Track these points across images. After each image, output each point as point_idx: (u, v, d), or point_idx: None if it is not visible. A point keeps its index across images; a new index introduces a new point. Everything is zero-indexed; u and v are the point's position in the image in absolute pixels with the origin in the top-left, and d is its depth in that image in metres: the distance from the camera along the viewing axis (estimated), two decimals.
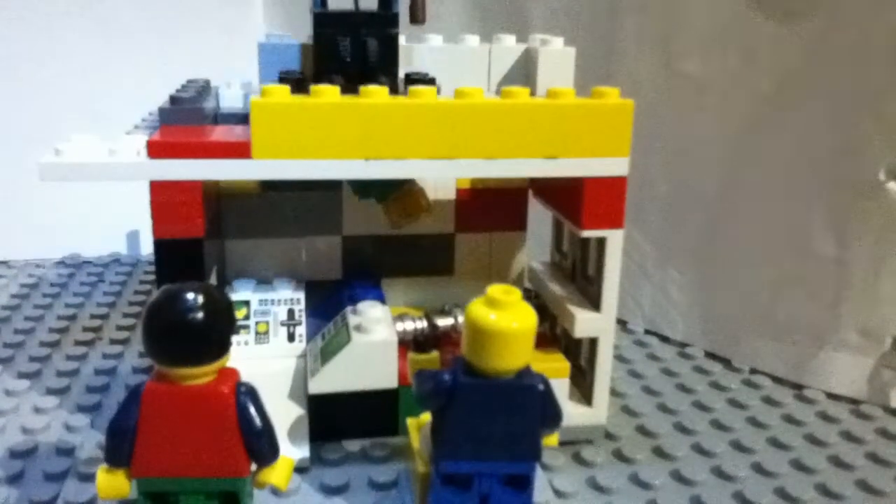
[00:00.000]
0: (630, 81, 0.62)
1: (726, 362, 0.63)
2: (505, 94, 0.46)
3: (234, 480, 0.38)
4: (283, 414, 0.47)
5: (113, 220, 0.82)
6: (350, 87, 0.45)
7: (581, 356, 0.52)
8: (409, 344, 0.51)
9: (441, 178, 0.57)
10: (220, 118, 0.50)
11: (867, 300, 0.56)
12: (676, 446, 0.50)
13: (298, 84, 0.46)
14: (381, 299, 0.54)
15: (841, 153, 0.56)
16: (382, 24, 0.48)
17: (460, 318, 0.51)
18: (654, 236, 0.67)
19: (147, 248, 0.83)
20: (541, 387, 0.38)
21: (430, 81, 0.48)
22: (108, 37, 0.81)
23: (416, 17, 0.49)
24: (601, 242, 0.48)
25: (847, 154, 0.55)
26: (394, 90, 0.46)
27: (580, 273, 0.53)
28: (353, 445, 0.49)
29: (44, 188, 0.45)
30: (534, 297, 0.56)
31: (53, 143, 0.42)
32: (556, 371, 0.48)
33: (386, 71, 0.48)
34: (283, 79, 0.48)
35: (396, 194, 0.53)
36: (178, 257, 0.44)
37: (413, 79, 0.49)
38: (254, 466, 0.38)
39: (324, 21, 0.48)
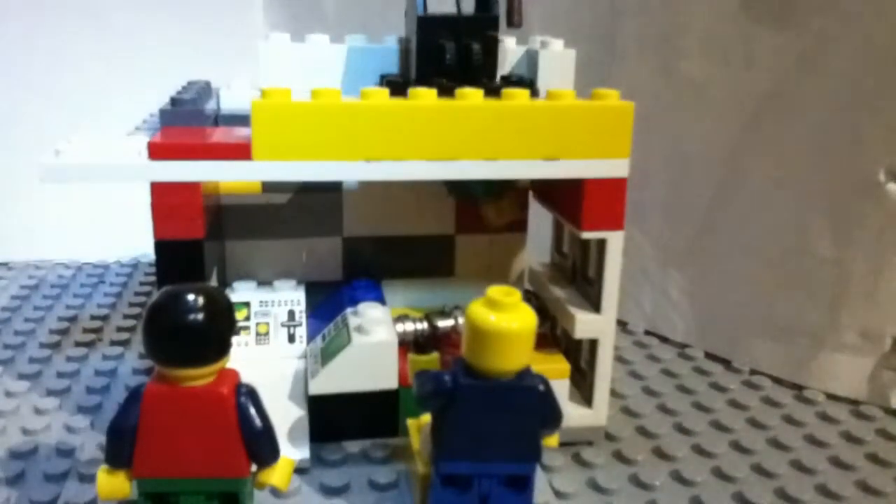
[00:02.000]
0: (630, 83, 0.61)
1: (726, 363, 0.63)
2: (505, 95, 0.46)
3: (235, 481, 0.38)
4: (284, 415, 0.47)
5: (113, 221, 0.82)
6: (451, 90, 0.45)
7: (581, 357, 0.52)
8: (410, 345, 0.51)
9: (441, 180, 0.57)
10: (220, 119, 0.50)
11: (867, 301, 0.57)
12: (676, 447, 0.50)
13: (400, 88, 0.46)
14: (382, 300, 0.54)
15: (840, 154, 0.56)
16: (483, 27, 0.48)
17: (460, 320, 0.51)
18: (655, 237, 0.67)
19: (147, 249, 0.83)
20: (541, 388, 0.38)
21: (530, 84, 0.49)
22: (109, 38, 0.81)
23: (513, 19, 0.50)
24: (601, 244, 0.48)
25: (847, 155, 0.55)
26: (494, 92, 0.47)
27: (580, 274, 0.53)
28: (353, 446, 0.49)
29: (44, 189, 0.45)
30: (534, 298, 0.56)
31: (54, 145, 0.42)
32: (556, 372, 0.48)
33: (487, 73, 0.49)
34: (388, 82, 0.49)
35: (496, 196, 0.54)
36: (178, 258, 0.44)
37: (511, 81, 0.49)
38: (254, 467, 0.38)
39: (427, 24, 0.48)
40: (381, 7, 0.72)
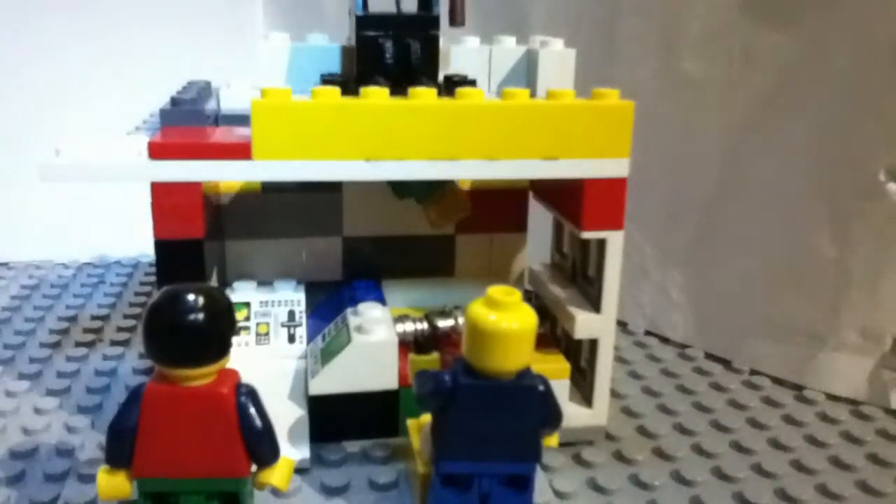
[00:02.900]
0: (630, 83, 0.61)
1: (726, 363, 0.63)
2: (505, 95, 0.46)
3: (235, 481, 0.38)
4: (284, 415, 0.47)
5: (113, 221, 0.82)
6: (394, 90, 0.45)
7: (581, 357, 0.52)
8: (410, 345, 0.51)
9: (442, 179, 0.57)
10: (220, 119, 0.50)
11: (867, 301, 0.56)
12: (676, 447, 0.50)
13: (343, 87, 0.46)
14: (382, 300, 0.54)
15: (841, 154, 0.56)
16: (424, 26, 0.48)
17: (461, 320, 0.51)
18: (655, 237, 0.67)
19: (148, 249, 0.83)
20: (541, 388, 0.38)
21: (472, 83, 0.49)
22: (109, 38, 0.81)
23: (456, 19, 0.50)
24: (601, 243, 0.48)
25: (847, 155, 0.55)
26: (448, 91, 0.47)
27: (580, 274, 0.53)
28: (353, 446, 0.49)
29: (44, 189, 0.45)
30: (534, 298, 0.56)
31: (54, 144, 0.42)
32: (556, 372, 0.48)
33: (427, 73, 0.49)
34: (325, 81, 0.49)
35: (437, 195, 0.53)
36: (178, 258, 0.44)
37: (454, 81, 0.49)
38: (254, 467, 0.38)
39: (367, 24, 0.48)
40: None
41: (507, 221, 0.59)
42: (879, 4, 0.52)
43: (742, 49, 0.59)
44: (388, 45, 0.48)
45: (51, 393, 0.55)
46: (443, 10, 0.49)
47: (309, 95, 0.44)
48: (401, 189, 0.53)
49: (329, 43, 0.53)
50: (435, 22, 0.49)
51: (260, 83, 0.50)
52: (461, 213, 0.55)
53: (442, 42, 0.52)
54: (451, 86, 0.48)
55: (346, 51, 0.51)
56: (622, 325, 0.68)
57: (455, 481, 0.39)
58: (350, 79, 0.50)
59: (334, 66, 0.52)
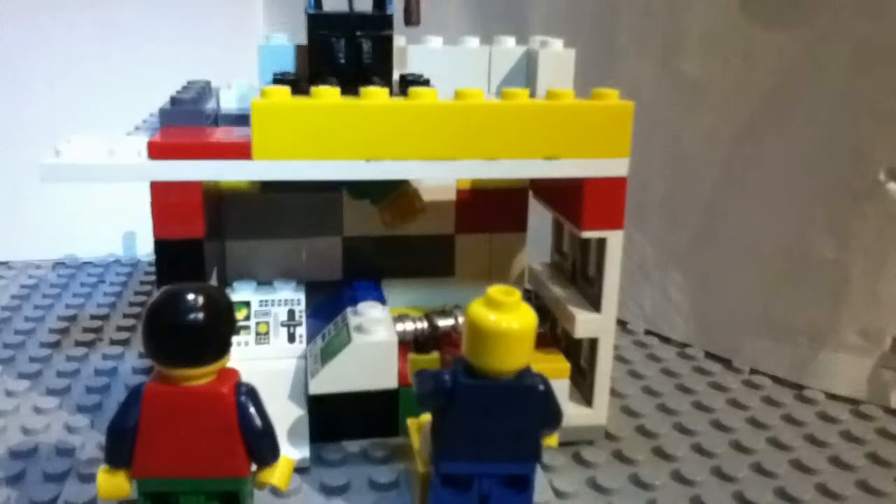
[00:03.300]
0: (630, 83, 0.61)
1: (726, 363, 0.63)
2: (505, 95, 0.46)
3: (235, 481, 0.38)
4: (284, 414, 0.47)
5: (113, 220, 0.82)
6: (346, 89, 0.45)
7: (581, 357, 0.52)
8: (410, 344, 0.51)
9: (441, 179, 0.57)
10: (220, 119, 0.50)
11: (867, 301, 0.56)
12: (676, 446, 0.50)
13: (293, 86, 0.46)
14: (382, 300, 0.54)
15: (840, 154, 0.56)
16: (376, 26, 0.48)
17: (460, 319, 0.51)
18: (654, 237, 0.67)
19: (147, 248, 0.83)
20: (541, 387, 0.38)
21: (425, 83, 0.48)
22: (109, 37, 0.81)
23: (411, 18, 0.49)
24: (601, 243, 0.48)
25: (847, 155, 0.55)
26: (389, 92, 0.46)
27: (580, 274, 0.53)
28: (353, 446, 0.49)
29: (44, 189, 0.45)
30: (534, 297, 0.56)
31: (54, 144, 0.42)
32: (556, 371, 0.48)
33: (380, 72, 0.48)
34: (277, 80, 0.48)
35: (391, 196, 0.53)
36: (178, 258, 0.44)
37: (408, 80, 0.49)
38: (254, 467, 0.38)
39: (318, 23, 0.48)
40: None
41: (506, 221, 0.59)
42: (879, 4, 0.52)
43: (742, 49, 0.59)
44: (340, 44, 0.48)
45: (51, 392, 0.55)
46: (398, 9, 0.49)
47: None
48: (356, 190, 0.53)
49: (278, 43, 0.52)
50: (388, 21, 0.48)
51: (260, 83, 0.50)
52: (416, 215, 0.54)
53: (402, 42, 0.52)
54: (405, 85, 0.48)
55: (299, 50, 0.51)
56: (622, 324, 0.68)
57: (455, 481, 0.39)
58: (303, 78, 0.49)
59: (288, 65, 0.52)
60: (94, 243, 0.83)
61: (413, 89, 0.44)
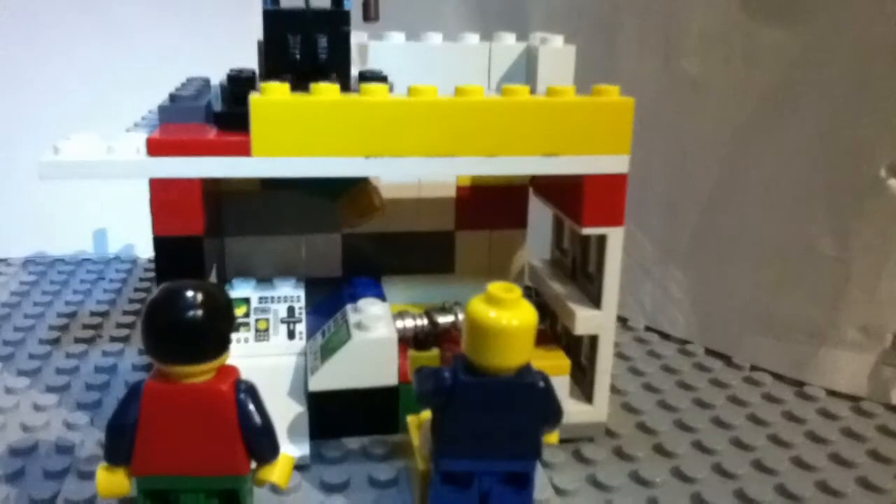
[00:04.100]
0: (630, 80, 0.61)
1: (727, 359, 0.63)
2: (505, 91, 0.46)
3: (234, 478, 0.38)
4: (283, 411, 0.47)
5: (112, 217, 0.82)
6: (300, 86, 0.45)
7: (581, 354, 0.52)
8: (410, 341, 0.51)
9: (441, 176, 0.57)
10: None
11: (868, 297, 0.56)
12: (677, 443, 0.50)
13: (249, 83, 0.46)
14: (382, 297, 0.54)
15: (841, 151, 0.56)
16: (334, 22, 0.48)
17: (460, 316, 0.51)
18: (655, 234, 0.67)
19: (147, 245, 0.83)
20: (541, 384, 0.38)
21: (383, 79, 0.48)
22: (108, 35, 0.81)
23: (369, 14, 0.49)
24: (601, 240, 0.48)
25: (848, 151, 0.55)
26: (345, 88, 0.46)
27: (580, 270, 0.53)
28: (353, 443, 0.49)
29: (43, 186, 0.45)
30: (534, 294, 0.56)
31: (53, 141, 0.42)
32: (556, 368, 0.48)
33: (337, 69, 0.48)
34: (230, 78, 0.48)
35: (349, 193, 0.52)
36: (177, 255, 0.43)
37: (366, 77, 0.49)
38: (254, 464, 0.38)
39: (274, 18, 0.48)
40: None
41: (507, 218, 0.59)
42: (879, 3, 0.52)
43: (742, 47, 0.59)
44: (296, 40, 0.47)
45: (50, 389, 0.55)
46: (357, 5, 0.49)
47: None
48: (313, 188, 0.53)
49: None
50: (345, 17, 0.48)
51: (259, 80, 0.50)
52: (375, 213, 0.54)
53: (363, 38, 0.52)
54: (363, 81, 0.48)
55: (259, 46, 0.51)
56: (622, 321, 0.68)
57: (455, 478, 0.39)
58: (259, 74, 0.49)
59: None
60: (94, 240, 0.83)
61: (412, 86, 0.44)
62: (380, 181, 0.55)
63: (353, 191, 0.52)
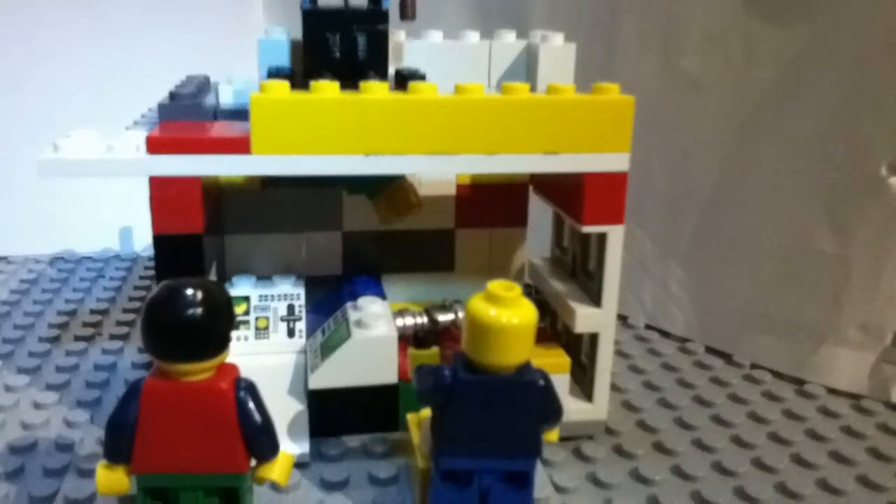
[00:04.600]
0: (630, 78, 0.61)
1: (727, 357, 0.63)
2: (505, 89, 0.46)
3: (234, 476, 0.38)
4: (283, 409, 0.47)
5: (112, 215, 0.82)
6: (342, 85, 0.45)
7: (581, 352, 0.52)
8: (410, 339, 0.51)
9: (441, 174, 0.57)
10: (219, 114, 0.50)
11: (868, 296, 0.56)
12: (677, 441, 0.50)
13: (289, 81, 0.46)
14: (382, 295, 0.54)
15: (842, 149, 0.56)
16: (372, 21, 0.48)
17: (460, 314, 0.51)
18: (655, 232, 0.67)
19: (147, 243, 0.83)
20: (541, 382, 0.38)
21: (421, 77, 0.48)
22: (108, 32, 0.81)
23: (406, 13, 0.49)
24: (602, 238, 0.48)
25: (848, 150, 0.55)
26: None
27: (581, 269, 0.53)
28: (353, 441, 0.49)
29: (43, 184, 0.45)
30: (534, 292, 0.56)
31: (52, 140, 0.42)
32: (556, 366, 0.48)
33: (375, 67, 0.48)
34: (271, 75, 0.48)
35: (387, 191, 0.53)
36: (177, 253, 0.43)
37: (404, 75, 0.49)
38: (253, 462, 0.38)
39: (313, 18, 0.48)
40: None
41: (507, 216, 0.59)
42: (879, 2, 0.52)
43: (742, 46, 0.59)
44: (335, 39, 0.48)
45: (50, 387, 0.55)
46: (394, 4, 0.49)
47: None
48: (351, 185, 0.53)
49: (282, 37, 0.52)
50: (383, 16, 0.48)
51: (259, 77, 0.50)
52: (413, 210, 0.54)
53: (400, 36, 0.52)
54: (402, 80, 0.48)
55: (294, 45, 0.51)
56: (622, 319, 0.68)
57: (455, 477, 0.39)
58: (299, 73, 0.49)
59: (283, 59, 0.52)
60: (94, 238, 0.83)
61: (413, 84, 0.44)
62: (416, 178, 0.55)
63: (391, 189, 0.53)
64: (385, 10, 0.48)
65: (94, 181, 0.43)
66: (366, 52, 0.48)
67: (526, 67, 0.54)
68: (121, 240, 0.85)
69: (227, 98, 0.51)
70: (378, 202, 0.53)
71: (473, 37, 0.54)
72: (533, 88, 0.52)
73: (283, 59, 0.51)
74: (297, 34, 0.52)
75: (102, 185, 0.53)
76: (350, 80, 0.45)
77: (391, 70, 0.50)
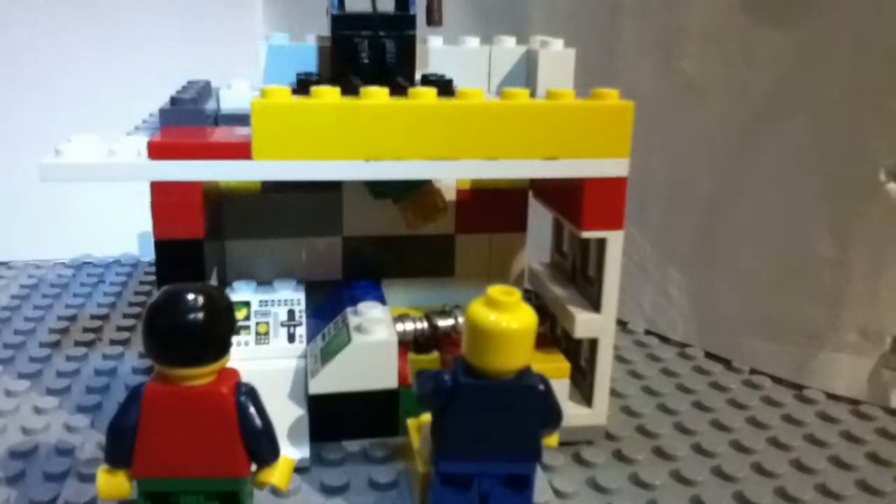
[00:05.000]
0: (630, 83, 0.61)
1: (726, 362, 0.63)
2: (505, 95, 0.46)
3: (235, 481, 0.38)
4: (284, 414, 0.47)
5: (113, 220, 0.82)
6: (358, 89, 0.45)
7: (581, 357, 0.52)
8: (410, 344, 0.51)
9: (441, 179, 0.57)
10: (220, 119, 0.50)
11: (867, 301, 0.56)
12: (676, 446, 0.50)
13: (318, 85, 0.46)
14: (382, 300, 0.54)
15: (841, 154, 0.56)
16: (400, 26, 0.48)
17: (460, 319, 0.51)
18: (654, 237, 0.67)
19: (147, 248, 0.83)
20: (541, 387, 0.38)
21: (448, 83, 0.49)
22: (109, 38, 0.81)
23: (433, 18, 0.50)
24: (601, 243, 0.48)
25: (847, 155, 0.55)
26: (402, 90, 0.47)
27: (580, 274, 0.53)
28: (353, 445, 0.49)
29: (44, 189, 0.45)
30: (534, 297, 0.56)
31: (54, 144, 0.42)
32: (556, 371, 0.48)
33: (403, 72, 0.49)
34: (301, 81, 0.49)
35: (413, 196, 0.53)
36: (178, 258, 0.44)
37: (430, 80, 0.49)
38: (254, 466, 0.38)
39: (342, 23, 0.48)
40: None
41: (506, 221, 0.59)
42: (879, 3, 0.52)
43: (742, 49, 0.59)
44: (364, 44, 0.48)
45: (50, 392, 0.55)
46: (420, 9, 0.49)
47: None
48: (378, 189, 0.53)
49: (295, 42, 0.53)
50: (411, 21, 0.49)
51: (260, 83, 0.50)
52: (438, 215, 0.55)
53: (436, 42, 0.52)
54: (426, 85, 0.48)
55: (322, 50, 0.51)
56: (622, 324, 0.68)
57: (455, 481, 0.39)
58: (326, 78, 0.50)
59: (311, 65, 0.52)
60: (94, 243, 0.83)
61: (413, 89, 0.44)
62: (442, 183, 0.55)
63: (417, 193, 0.53)
64: (413, 14, 0.48)
65: (95, 186, 0.43)
66: (394, 56, 0.48)
67: (526, 73, 0.55)
68: (121, 245, 0.85)
69: (228, 103, 0.51)
70: (405, 207, 0.54)
71: (473, 42, 0.54)
72: (533, 94, 0.52)
73: (299, 65, 0.51)
74: (299, 39, 0.53)
75: (104, 191, 0.53)
76: (378, 85, 0.45)
77: (418, 75, 0.50)
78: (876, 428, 0.54)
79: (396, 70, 0.49)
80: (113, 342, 0.63)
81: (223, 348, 0.37)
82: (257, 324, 0.51)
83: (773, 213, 0.60)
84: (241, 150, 0.43)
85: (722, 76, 0.60)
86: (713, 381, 0.60)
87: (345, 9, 0.48)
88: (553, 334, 0.55)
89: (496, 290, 0.37)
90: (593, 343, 0.50)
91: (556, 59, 0.53)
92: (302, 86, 0.48)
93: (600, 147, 0.46)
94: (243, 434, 0.37)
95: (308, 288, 0.54)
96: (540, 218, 0.58)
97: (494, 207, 0.58)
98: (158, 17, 0.82)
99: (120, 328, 0.66)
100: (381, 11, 0.49)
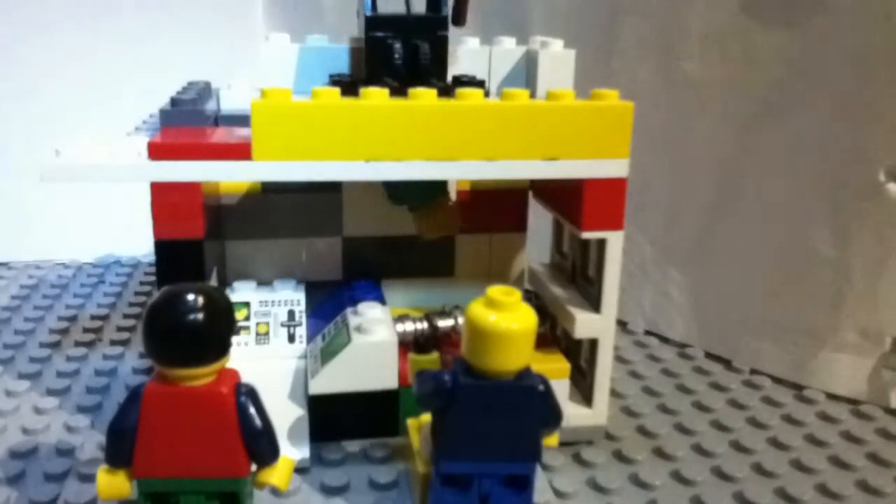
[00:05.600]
0: (630, 83, 0.62)
1: (726, 363, 0.63)
2: (505, 95, 0.46)
3: (235, 481, 0.38)
4: (284, 414, 0.47)
5: (113, 221, 0.82)
6: (402, 90, 0.46)
7: (581, 357, 0.52)
8: (410, 345, 0.51)
9: (441, 180, 0.57)
10: (220, 120, 0.50)
11: (867, 301, 0.57)
12: (676, 447, 0.50)
13: (351, 87, 0.46)
14: (382, 300, 0.54)
15: (841, 154, 0.56)
16: (433, 27, 0.48)
17: (460, 319, 0.51)
18: (655, 237, 0.67)
19: (148, 249, 0.83)
20: (541, 387, 0.38)
21: (480, 84, 0.49)
22: (109, 38, 0.81)
23: (459, 19, 0.50)
24: (601, 244, 0.48)
25: (847, 155, 0.55)
26: (445, 92, 0.47)
27: (580, 274, 0.53)
28: (353, 446, 0.49)
29: (44, 189, 0.45)
30: (534, 298, 0.56)
31: (54, 145, 0.42)
32: (556, 372, 0.48)
33: (436, 73, 0.49)
34: (335, 82, 0.49)
35: (430, 206, 0.53)
36: (178, 258, 0.44)
37: (462, 81, 0.49)
38: (254, 467, 0.38)
39: (375, 24, 0.48)
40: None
41: (506, 221, 0.59)
42: (879, 4, 0.52)
43: (742, 49, 0.59)
44: (397, 45, 0.48)
45: (51, 393, 0.55)
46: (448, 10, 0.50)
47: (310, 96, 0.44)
48: (396, 195, 0.53)
49: (329, 43, 0.53)
50: (444, 22, 0.49)
51: (260, 84, 0.50)
52: (451, 230, 0.55)
53: (474, 43, 0.52)
54: (459, 86, 0.48)
55: (354, 52, 0.52)
56: (622, 324, 0.68)
57: (455, 481, 0.39)
58: (359, 79, 0.50)
59: (342, 66, 0.52)
60: (95, 243, 0.83)
61: (412, 90, 0.44)
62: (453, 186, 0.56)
63: (434, 205, 0.53)
64: (445, 16, 0.48)
65: (95, 187, 0.43)
66: (427, 58, 0.48)
67: (526, 73, 0.55)
68: (122, 245, 0.85)
69: (228, 104, 0.51)
70: (420, 215, 0.54)
71: (473, 42, 0.54)
72: (532, 94, 0.52)
73: (321, 67, 0.52)
74: (299, 40, 0.53)
75: (104, 191, 0.53)
76: (412, 86, 0.45)
77: (449, 76, 0.50)
78: (876, 428, 0.54)
79: (430, 71, 0.49)
80: (113, 342, 0.63)
81: (223, 348, 0.37)
82: (257, 324, 0.51)
83: (773, 213, 0.60)
84: (242, 151, 0.43)
85: (721, 76, 0.60)
86: (713, 382, 0.60)
87: (377, 10, 0.48)
88: (553, 334, 0.55)
89: (496, 291, 0.37)
90: (593, 343, 0.50)
91: (556, 59, 0.53)
92: (339, 87, 0.47)
93: (600, 148, 0.46)
94: (243, 434, 0.37)
95: (308, 288, 0.54)
96: (540, 218, 0.58)
97: (494, 208, 0.58)
98: (159, 17, 0.82)
99: (120, 328, 0.66)
100: (414, 13, 0.49)
